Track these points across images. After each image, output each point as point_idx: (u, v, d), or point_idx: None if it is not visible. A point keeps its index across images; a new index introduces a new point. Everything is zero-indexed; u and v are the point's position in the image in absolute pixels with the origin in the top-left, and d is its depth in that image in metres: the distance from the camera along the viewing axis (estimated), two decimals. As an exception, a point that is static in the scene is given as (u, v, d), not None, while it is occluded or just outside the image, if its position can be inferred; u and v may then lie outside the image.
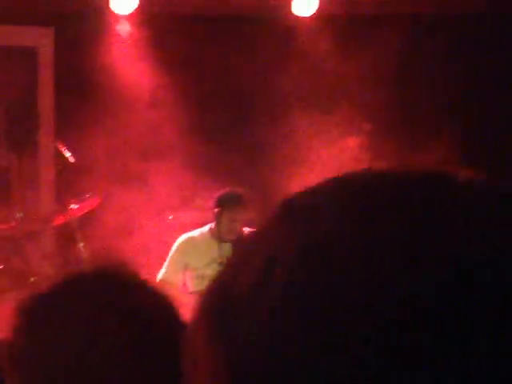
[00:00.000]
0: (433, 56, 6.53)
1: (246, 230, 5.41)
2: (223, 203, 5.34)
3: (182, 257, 5.42)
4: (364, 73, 6.15)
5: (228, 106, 6.48)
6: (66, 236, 5.91)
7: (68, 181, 6.07)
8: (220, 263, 5.18)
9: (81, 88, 6.32)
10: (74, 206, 5.79)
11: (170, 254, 5.46)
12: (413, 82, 6.52)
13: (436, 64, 6.57)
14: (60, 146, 5.95)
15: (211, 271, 5.28)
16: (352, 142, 6.16)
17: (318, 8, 6.27)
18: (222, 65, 6.37)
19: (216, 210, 5.32)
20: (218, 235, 5.38)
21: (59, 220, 5.86)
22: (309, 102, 6.30)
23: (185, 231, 5.55)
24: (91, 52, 6.22)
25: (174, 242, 5.48)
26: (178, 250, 5.44)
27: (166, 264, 5.44)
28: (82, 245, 5.70)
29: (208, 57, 6.37)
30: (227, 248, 5.30)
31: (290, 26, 6.37)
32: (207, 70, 6.43)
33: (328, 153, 6.06)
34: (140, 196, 6.09)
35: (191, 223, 5.69)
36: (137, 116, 6.25)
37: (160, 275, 5.46)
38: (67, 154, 5.88)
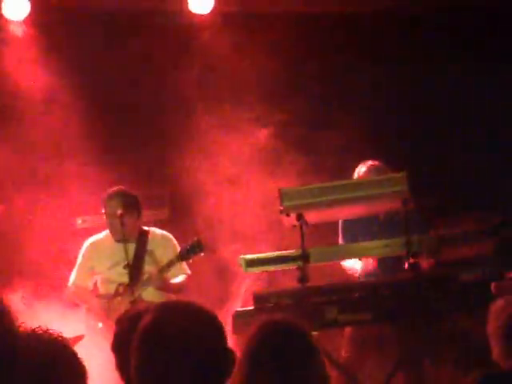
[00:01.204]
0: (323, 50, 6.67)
1: (155, 230, 5.39)
2: (102, 202, 5.29)
3: (87, 261, 5.34)
4: (261, 67, 6.21)
5: (129, 104, 6.43)
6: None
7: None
8: (124, 266, 5.14)
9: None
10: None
11: (78, 258, 5.38)
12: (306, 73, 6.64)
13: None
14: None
15: (115, 274, 5.24)
16: (260, 134, 6.20)
17: (214, 6, 6.33)
18: (120, 63, 6.31)
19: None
20: (114, 237, 5.30)
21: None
22: (212, 97, 6.31)
23: (94, 234, 5.49)
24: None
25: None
26: (83, 254, 5.36)
27: (75, 268, 5.36)
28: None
29: (105, 56, 6.31)
30: (130, 249, 5.24)
31: (188, 24, 6.39)
32: (104, 68, 6.36)
33: (237, 145, 6.07)
34: (46, 200, 5.98)
35: (100, 227, 5.61)
36: (37, 119, 6.12)
37: (71, 279, 5.36)
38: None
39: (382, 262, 5.15)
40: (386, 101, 6.62)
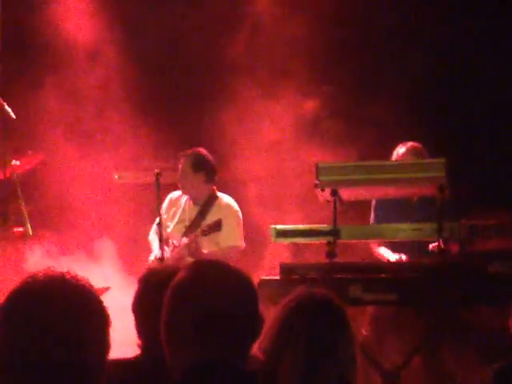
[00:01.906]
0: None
1: (223, 197, 5.52)
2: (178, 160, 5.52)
3: (164, 214, 5.55)
4: (308, 36, 6.18)
5: (171, 65, 6.46)
6: (7, 192, 5.85)
7: (10, 137, 5.98)
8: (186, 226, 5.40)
9: (25, 44, 6.24)
10: (15, 163, 5.72)
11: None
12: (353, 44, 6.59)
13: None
14: (1, 101, 5.86)
15: (175, 232, 5.49)
16: (303, 103, 6.20)
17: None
18: (165, 24, 6.32)
19: None
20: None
21: (0, 176, 5.79)
22: (257, 64, 6.30)
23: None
24: (35, 8, 6.16)
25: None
26: (163, 206, 5.58)
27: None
28: (22, 201, 5.64)
29: (151, 14, 6.33)
30: (194, 210, 5.47)
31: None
32: (150, 27, 6.37)
33: (279, 113, 6.07)
34: (85, 154, 6.05)
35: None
36: (82, 73, 6.18)
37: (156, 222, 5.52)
38: (8, 110, 5.79)
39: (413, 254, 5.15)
40: (435, 75, 6.54)
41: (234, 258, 5.34)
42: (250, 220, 5.89)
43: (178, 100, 6.51)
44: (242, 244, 5.50)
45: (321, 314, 2.51)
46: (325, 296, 2.57)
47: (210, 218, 5.42)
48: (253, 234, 5.87)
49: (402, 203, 5.22)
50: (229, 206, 5.53)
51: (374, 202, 5.42)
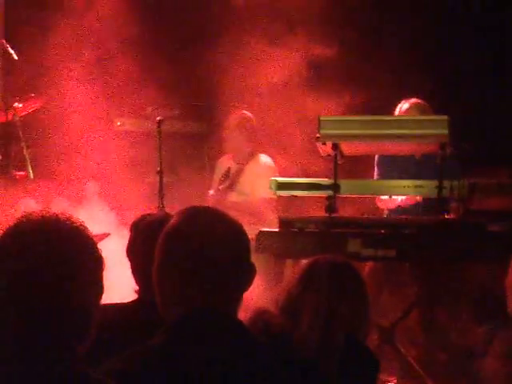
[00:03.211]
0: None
1: (262, 157, 5.57)
2: None
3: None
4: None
5: (172, 7, 6.41)
6: (9, 135, 5.84)
7: (12, 79, 5.96)
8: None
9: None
10: (17, 105, 5.70)
11: None
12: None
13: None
14: (4, 43, 5.82)
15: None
16: (309, 53, 6.16)
17: None
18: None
19: None
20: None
21: (2, 118, 5.77)
22: (264, 17, 6.24)
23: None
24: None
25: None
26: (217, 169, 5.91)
27: None
28: (24, 144, 5.63)
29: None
30: (234, 169, 5.73)
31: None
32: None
33: (284, 61, 6.03)
34: (88, 100, 6.01)
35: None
36: (86, 19, 6.12)
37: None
38: (11, 51, 5.75)
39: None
40: (439, 38, 6.50)
41: (265, 208, 5.45)
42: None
43: (183, 49, 6.47)
44: (273, 196, 5.59)
45: (340, 269, 2.69)
46: (344, 259, 2.79)
47: (247, 174, 5.60)
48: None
49: (406, 159, 5.20)
50: (265, 162, 5.74)
51: (377, 158, 5.40)
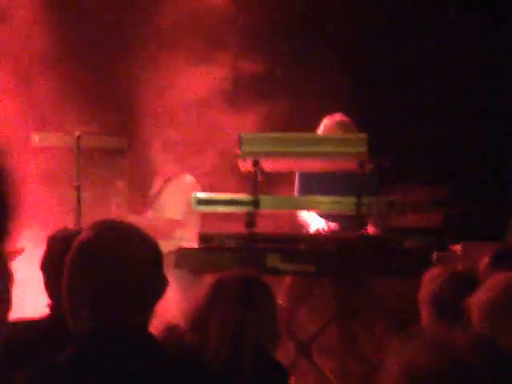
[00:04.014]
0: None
1: None
2: None
3: None
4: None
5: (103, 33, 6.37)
6: None
7: None
8: None
9: None
10: None
11: None
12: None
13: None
14: None
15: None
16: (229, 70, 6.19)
17: None
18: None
19: None
20: None
21: None
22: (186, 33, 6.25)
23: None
24: None
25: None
26: None
27: None
28: None
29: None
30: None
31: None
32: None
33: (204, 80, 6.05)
34: (4, 115, 5.91)
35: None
36: (4, 29, 6.00)
37: None
38: None
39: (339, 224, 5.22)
40: (374, 52, 6.61)
41: (165, 228, 5.52)
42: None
43: (105, 64, 6.42)
44: (177, 217, 5.75)
45: (248, 283, 2.73)
46: (251, 272, 2.83)
47: (165, 193, 5.68)
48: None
49: (326, 175, 5.27)
50: (183, 182, 5.83)
51: (297, 174, 5.46)
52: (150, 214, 5.90)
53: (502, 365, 0.96)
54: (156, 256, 2.10)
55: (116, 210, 5.80)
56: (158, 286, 2.08)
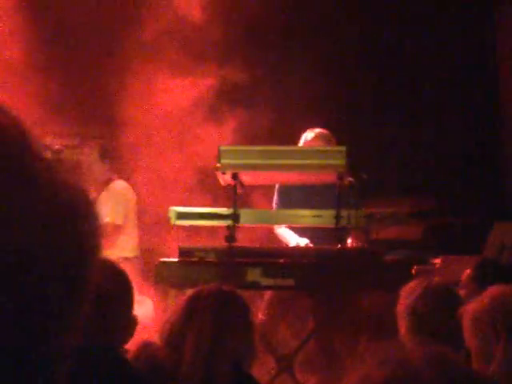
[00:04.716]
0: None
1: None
2: None
3: None
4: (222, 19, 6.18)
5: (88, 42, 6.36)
6: None
7: None
8: None
9: None
10: None
11: None
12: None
13: None
14: None
15: None
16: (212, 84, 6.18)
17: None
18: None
19: None
20: None
21: None
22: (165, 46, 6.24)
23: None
24: None
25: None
26: None
27: None
28: None
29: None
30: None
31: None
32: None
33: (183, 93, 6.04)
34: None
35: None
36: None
37: None
38: None
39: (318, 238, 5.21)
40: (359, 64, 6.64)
41: (110, 233, 5.45)
42: (149, 201, 5.91)
43: (85, 77, 6.41)
44: (117, 221, 5.66)
45: (224, 298, 2.70)
46: (230, 287, 2.82)
47: (100, 201, 5.60)
48: (152, 215, 5.88)
49: (306, 188, 5.26)
50: (116, 187, 5.76)
51: (277, 187, 5.46)
52: None
53: (457, 381, 0.95)
54: (129, 292, 2.12)
55: None
56: (131, 325, 2.10)
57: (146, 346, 2.47)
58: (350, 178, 5.20)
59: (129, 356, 2.21)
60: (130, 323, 2.14)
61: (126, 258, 5.40)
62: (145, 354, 2.40)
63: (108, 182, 5.77)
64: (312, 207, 4.89)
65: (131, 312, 2.17)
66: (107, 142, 5.96)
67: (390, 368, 0.96)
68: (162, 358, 2.44)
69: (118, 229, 5.62)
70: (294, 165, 4.66)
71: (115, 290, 2.12)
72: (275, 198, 5.46)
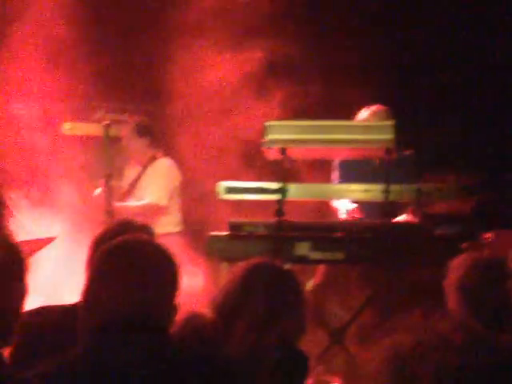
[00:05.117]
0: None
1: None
2: None
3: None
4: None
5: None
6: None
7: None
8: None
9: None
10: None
11: None
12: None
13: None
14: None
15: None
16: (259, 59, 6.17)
17: None
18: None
19: None
20: None
21: None
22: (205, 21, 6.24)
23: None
24: None
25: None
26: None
27: None
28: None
29: None
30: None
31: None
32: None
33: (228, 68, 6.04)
34: (34, 103, 5.96)
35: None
36: (29, 17, 6.03)
37: None
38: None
39: (370, 213, 5.21)
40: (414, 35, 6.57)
41: (154, 214, 5.48)
42: (202, 179, 5.93)
43: (135, 52, 6.45)
44: (162, 202, 5.67)
45: (281, 276, 2.74)
46: (282, 264, 2.86)
47: (145, 179, 5.62)
48: (205, 193, 5.91)
49: (364, 163, 5.25)
50: (162, 166, 5.76)
51: (336, 162, 5.46)
52: (132, 201, 5.75)
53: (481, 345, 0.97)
54: (171, 261, 2.20)
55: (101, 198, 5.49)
56: (174, 285, 2.15)
57: (193, 317, 2.51)
58: (406, 152, 5.20)
59: (175, 327, 2.25)
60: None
61: (169, 234, 5.45)
62: (191, 325, 2.45)
63: (153, 159, 5.78)
64: (369, 182, 4.87)
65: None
66: (149, 118, 5.98)
67: (420, 333, 0.98)
68: (210, 329, 2.48)
69: (161, 209, 5.66)
70: (342, 140, 4.65)
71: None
72: (335, 173, 5.45)
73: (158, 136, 5.77)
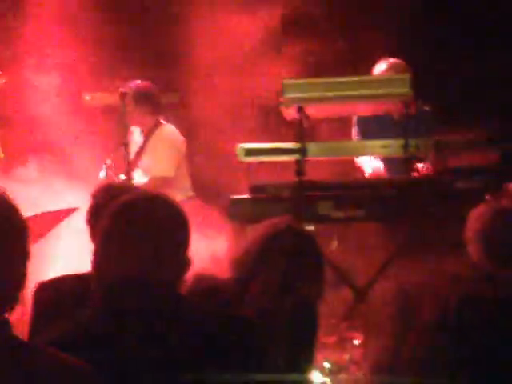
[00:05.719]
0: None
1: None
2: None
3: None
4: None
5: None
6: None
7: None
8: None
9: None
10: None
11: None
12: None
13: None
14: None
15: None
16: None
17: None
18: None
19: None
20: None
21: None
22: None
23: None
24: None
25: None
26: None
27: None
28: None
29: None
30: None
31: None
32: None
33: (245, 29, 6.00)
34: (56, 75, 5.98)
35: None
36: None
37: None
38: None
39: (391, 169, 5.18)
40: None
41: (160, 186, 5.40)
42: (219, 143, 5.92)
43: (151, 22, 6.44)
44: (168, 174, 5.57)
45: (302, 240, 2.76)
46: (301, 223, 2.99)
47: (149, 148, 5.55)
48: (223, 156, 5.91)
49: (383, 119, 5.22)
50: (165, 135, 5.64)
51: (354, 119, 5.43)
52: (137, 174, 5.59)
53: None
54: (185, 228, 2.20)
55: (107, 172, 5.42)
56: (184, 239, 2.15)
57: (201, 278, 2.53)
58: (426, 107, 5.16)
59: (185, 286, 2.26)
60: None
61: (181, 201, 5.39)
62: (201, 286, 2.47)
63: (155, 127, 5.65)
64: (390, 138, 4.83)
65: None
66: (166, 83, 5.92)
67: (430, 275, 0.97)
68: (222, 289, 2.50)
69: (169, 181, 5.54)
70: (358, 95, 4.62)
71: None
72: (353, 130, 5.42)
73: (159, 102, 5.60)
